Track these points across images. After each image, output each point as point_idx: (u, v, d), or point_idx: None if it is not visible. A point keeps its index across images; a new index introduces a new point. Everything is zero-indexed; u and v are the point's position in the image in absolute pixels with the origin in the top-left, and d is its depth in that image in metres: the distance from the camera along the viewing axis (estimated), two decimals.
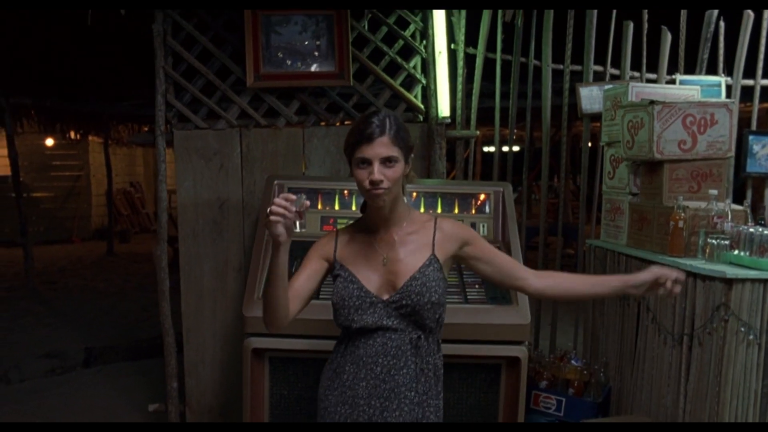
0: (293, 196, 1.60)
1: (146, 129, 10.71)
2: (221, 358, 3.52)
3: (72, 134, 10.13)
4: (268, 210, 1.59)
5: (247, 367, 2.62)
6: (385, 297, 1.77)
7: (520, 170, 4.07)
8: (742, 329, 2.45)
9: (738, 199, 3.25)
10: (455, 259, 1.87)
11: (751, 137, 3.86)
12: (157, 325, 5.87)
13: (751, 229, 2.57)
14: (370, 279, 1.79)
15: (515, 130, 3.92)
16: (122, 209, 12.84)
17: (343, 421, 1.79)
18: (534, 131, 4.12)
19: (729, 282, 2.44)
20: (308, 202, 1.64)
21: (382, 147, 1.69)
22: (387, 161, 1.70)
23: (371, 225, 1.83)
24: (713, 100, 3.19)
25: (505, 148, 4.09)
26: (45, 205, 12.03)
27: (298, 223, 1.64)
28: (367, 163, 1.69)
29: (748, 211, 2.97)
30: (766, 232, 2.54)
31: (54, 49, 5.93)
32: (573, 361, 3.28)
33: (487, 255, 1.85)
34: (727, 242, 2.62)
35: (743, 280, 2.44)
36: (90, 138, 11.25)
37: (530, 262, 2.73)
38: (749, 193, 3.91)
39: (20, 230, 7.65)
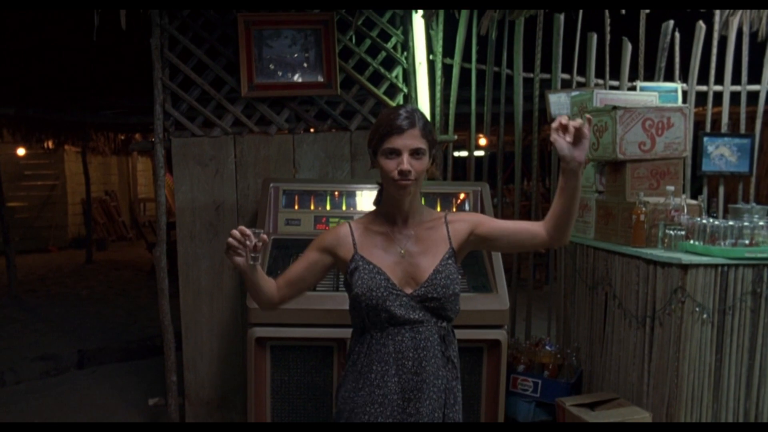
0: (248, 231, 1.67)
1: (123, 137, 10.84)
2: (218, 353, 3.72)
3: (49, 144, 10.19)
4: (226, 241, 1.67)
5: (251, 354, 2.84)
6: (408, 291, 1.78)
7: (494, 173, 4.35)
8: (697, 309, 2.74)
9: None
10: (471, 244, 1.87)
11: (705, 138, 4.19)
12: (146, 328, 6.09)
13: (704, 221, 2.87)
14: (393, 271, 1.79)
15: (491, 135, 4.19)
16: (98, 218, 12.86)
17: (373, 421, 1.79)
18: (507, 135, 4.38)
19: (684, 268, 2.74)
20: (265, 236, 1.70)
21: (412, 139, 1.71)
22: (416, 153, 1.72)
23: (388, 218, 1.84)
24: (670, 104, 3.50)
25: (479, 153, 4.37)
26: (20, 214, 12.00)
27: (253, 256, 1.69)
28: (396, 154, 1.71)
29: (703, 205, 3.28)
30: (716, 223, 2.84)
31: (36, 59, 6.06)
32: (547, 347, 3.56)
33: (498, 230, 1.84)
34: (683, 233, 2.92)
35: (697, 266, 2.74)
36: (66, 147, 11.29)
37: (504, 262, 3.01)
38: (705, 189, 4.24)
39: (3, 239, 7.70)
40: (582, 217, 3.64)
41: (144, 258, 10.46)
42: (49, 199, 12.37)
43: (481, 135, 4.84)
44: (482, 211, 3.23)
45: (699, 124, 4.25)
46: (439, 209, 3.29)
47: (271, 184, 3.25)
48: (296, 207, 3.26)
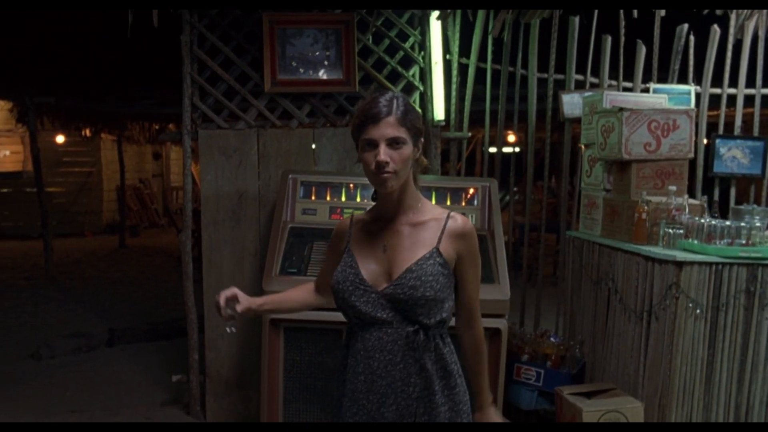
0: (221, 304, 1.84)
1: (157, 127, 11.15)
2: (238, 334, 3.91)
3: (86, 132, 10.57)
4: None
5: (266, 336, 3.03)
6: (381, 288, 1.70)
7: (518, 170, 4.47)
8: (691, 305, 2.86)
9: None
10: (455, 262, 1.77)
11: (718, 140, 4.26)
12: (172, 311, 6.35)
13: (702, 220, 2.98)
14: (368, 267, 1.72)
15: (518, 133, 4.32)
16: (132, 205, 13.26)
17: (347, 414, 1.76)
18: (520, 132, 4.51)
19: (680, 265, 2.85)
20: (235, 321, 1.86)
21: (388, 127, 1.63)
22: (394, 143, 1.63)
23: (381, 212, 1.78)
24: (676, 107, 3.59)
25: (507, 150, 4.50)
26: (57, 200, 12.44)
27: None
28: (374, 145, 1.64)
29: (705, 205, 3.38)
30: (714, 222, 2.95)
31: (74, 50, 6.33)
32: (552, 338, 3.69)
33: (462, 279, 1.77)
34: (681, 231, 3.03)
35: (692, 263, 2.85)
36: (102, 135, 11.67)
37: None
38: (716, 191, 4.32)
39: (41, 222, 8.05)
40: (590, 214, 3.76)
41: (174, 244, 10.77)
42: (86, 185, 12.80)
43: (510, 132, 4.94)
44: (489, 206, 3.37)
45: (712, 126, 4.32)
46: (449, 203, 3.45)
47: (290, 176, 3.43)
48: (313, 198, 3.44)
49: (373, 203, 1.83)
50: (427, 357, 1.70)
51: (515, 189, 4.83)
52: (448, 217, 1.76)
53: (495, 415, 1.88)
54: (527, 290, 4.36)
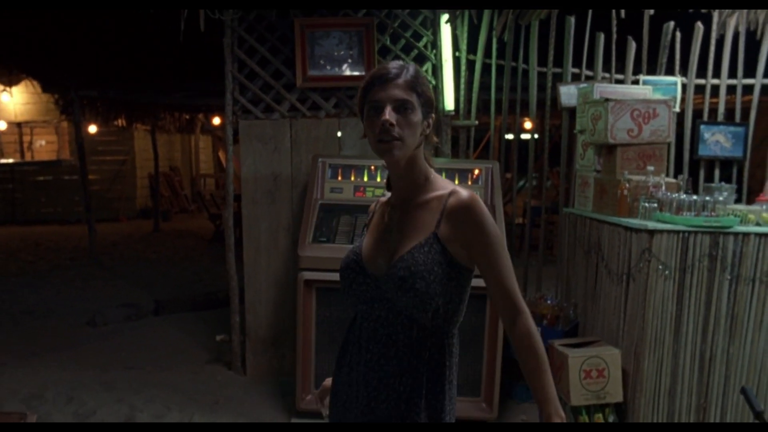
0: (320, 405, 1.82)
1: (187, 117, 11.76)
2: (274, 299, 4.48)
3: (121, 122, 11.21)
4: None
5: (300, 294, 3.58)
6: (377, 272, 1.57)
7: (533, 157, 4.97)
8: (660, 267, 3.35)
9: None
10: (461, 251, 1.55)
11: (702, 126, 4.73)
12: (209, 286, 6.94)
13: (673, 195, 3.47)
14: (371, 253, 1.60)
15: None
16: (163, 191, 13.92)
17: (339, 402, 1.66)
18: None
19: (651, 233, 3.34)
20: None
21: (396, 89, 1.48)
22: (402, 107, 1.48)
23: (393, 188, 1.64)
24: (656, 97, 4.06)
25: (526, 136, 4.98)
26: (93, 186, 13.10)
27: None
28: (379, 109, 1.48)
29: (681, 183, 3.86)
30: (682, 197, 3.43)
31: (116, 47, 6.90)
32: (548, 301, 4.21)
33: (486, 269, 1.53)
34: (655, 205, 3.52)
35: (662, 231, 3.34)
36: (135, 125, 12.32)
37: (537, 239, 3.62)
38: (702, 172, 4.79)
39: (86, 207, 8.71)
40: (583, 192, 4.25)
41: (204, 228, 11.43)
42: (120, 173, 13.48)
43: (526, 119, 5.36)
44: (492, 185, 3.88)
45: (697, 113, 4.78)
46: (457, 182, 3.96)
47: (320, 159, 3.97)
48: (339, 178, 3.98)
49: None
50: (420, 357, 1.54)
51: (535, 175, 5.30)
52: (450, 194, 1.55)
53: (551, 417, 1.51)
54: (539, 267, 4.90)
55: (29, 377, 4.47)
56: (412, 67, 1.55)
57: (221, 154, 13.82)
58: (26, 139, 14.23)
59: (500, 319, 1.66)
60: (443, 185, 1.59)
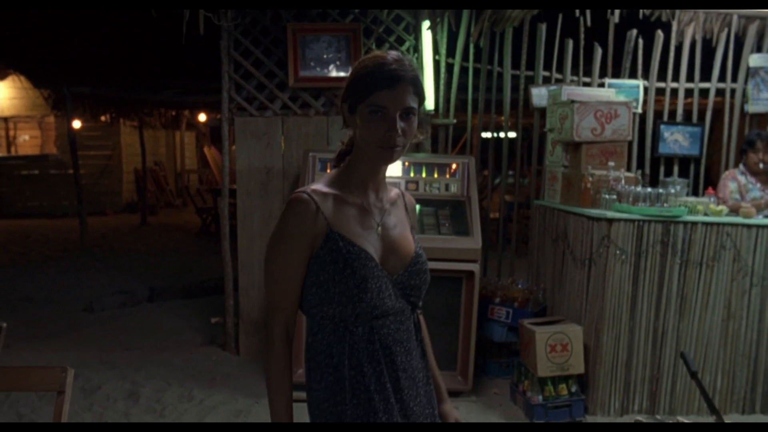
0: None
1: (173, 113, 12.01)
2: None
3: (107, 118, 11.42)
4: None
5: None
6: (395, 275, 1.51)
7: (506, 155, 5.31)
8: (618, 252, 3.74)
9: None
10: None
11: (662, 126, 5.14)
12: (198, 275, 7.21)
13: (630, 188, 3.85)
14: (376, 252, 1.50)
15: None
16: (149, 185, 14.13)
17: (411, 415, 1.53)
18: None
19: (610, 221, 3.73)
20: None
21: (405, 96, 1.40)
22: (407, 113, 1.41)
23: (360, 185, 1.52)
24: (617, 99, 4.44)
25: (512, 134, 5.33)
26: (80, 181, 13.31)
27: None
28: (384, 113, 1.40)
29: (639, 177, 4.25)
30: (638, 189, 3.82)
31: (107, 45, 7.16)
32: (519, 285, 4.58)
33: None
34: (614, 197, 3.91)
35: (618, 220, 3.73)
36: (121, 121, 12.53)
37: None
38: (662, 168, 5.20)
39: (78, 200, 8.97)
40: (552, 186, 4.63)
41: (190, 222, 11.70)
42: (107, 167, 13.67)
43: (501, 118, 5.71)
44: (468, 178, 4.25)
45: (658, 114, 5.19)
46: (436, 175, 4.32)
47: (310, 154, 4.30)
48: (327, 170, 4.31)
49: (335, 173, 1.56)
50: (420, 339, 1.62)
51: (511, 172, 5.66)
52: (403, 192, 1.67)
53: (454, 410, 1.72)
54: (512, 257, 5.28)
55: (34, 358, 4.75)
56: (408, 60, 1.45)
57: (206, 150, 14.06)
58: (11, 134, 14.37)
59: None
60: (390, 185, 1.64)
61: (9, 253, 9.05)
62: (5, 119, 13.73)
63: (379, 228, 1.51)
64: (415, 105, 1.43)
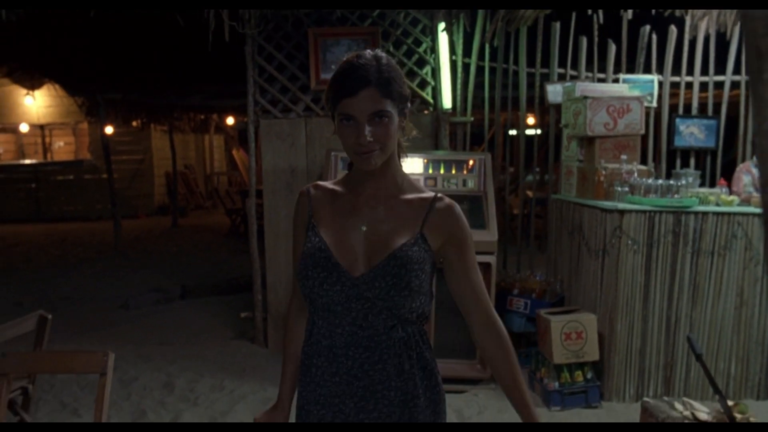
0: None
1: (202, 117, 12.32)
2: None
3: (138, 123, 11.79)
4: None
5: None
6: (357, 273, 1.47)
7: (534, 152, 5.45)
8: (629, 242, 3.85)
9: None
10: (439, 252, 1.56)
11: (677, 120, 5.22)
12: (228, 274, 7.46)
13: (641, 180, 3.96)
14: (342, 248, 1.50)
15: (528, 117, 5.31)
16: (180, 188, 14.48)
17: (324, 417, 1.53)
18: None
19: (622, 213, 3.85)
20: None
21: (368, 101, 1.39)
22: (377, 117, 1.41)
23: (356, 183, 1.56)
24: (629, 94, 4.54)
25: (530, 132, 5.48)
26: (113, 185, 13.69)
27: None
28: (352, 123, 1.41)
29: (652, 169, 4.35)
30: (649, 181, 3.93)
31: (134, 52, 7.42)
32: (537, 277, 4.72)
33: (462, 269, 1.55)
34: (627, 189, 4.02)
35: (630, 211, 3.84)
36: (152, 126, 12.89)
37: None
38: (678, 161, 5.27)
39: (111, 204, 9.30)
40: (568, 180, 4.75)
41: (220, 223, 12.00)
42: (138, 171, 14.04)
43: (530, 115, 5.80)
44: (484, 174, 4.39)
45: (673, 108, 5.27)
46: (454, 171, 4.47)
47: (332, 153, 4.48)
48: None
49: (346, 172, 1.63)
50: (406, 357, 1.50)
51: (537, 169, 5.77)
52: (436, 198, 1.55)
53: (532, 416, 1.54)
54: (531, 251, 5.41)
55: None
56: (383, 64, 1.44)
57: (234, 153, 14.37)
58: (47, 140, 14.84)
59: (467, 319, 1.57)
60: (422, 188, 1.60)
61: (47, 255, 9.41)
62: (41, 127, 14.17)
63: (364, 226, 1.51)
64: (386, 107, 1.41)
